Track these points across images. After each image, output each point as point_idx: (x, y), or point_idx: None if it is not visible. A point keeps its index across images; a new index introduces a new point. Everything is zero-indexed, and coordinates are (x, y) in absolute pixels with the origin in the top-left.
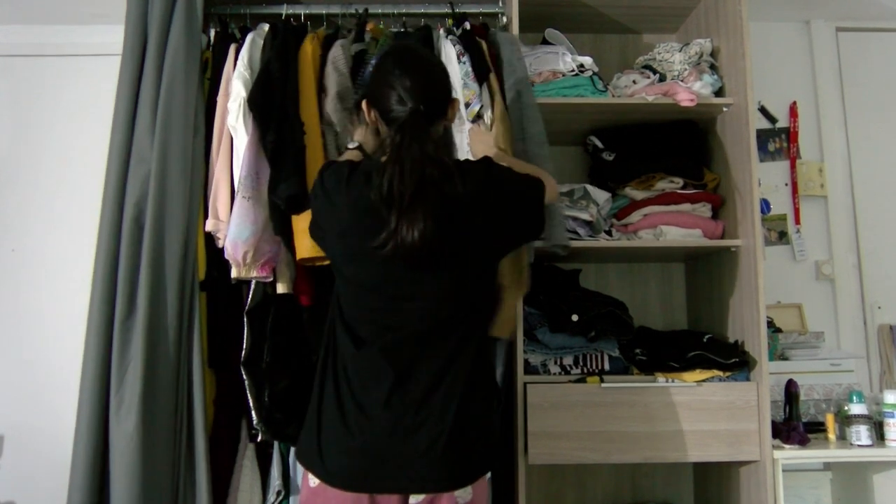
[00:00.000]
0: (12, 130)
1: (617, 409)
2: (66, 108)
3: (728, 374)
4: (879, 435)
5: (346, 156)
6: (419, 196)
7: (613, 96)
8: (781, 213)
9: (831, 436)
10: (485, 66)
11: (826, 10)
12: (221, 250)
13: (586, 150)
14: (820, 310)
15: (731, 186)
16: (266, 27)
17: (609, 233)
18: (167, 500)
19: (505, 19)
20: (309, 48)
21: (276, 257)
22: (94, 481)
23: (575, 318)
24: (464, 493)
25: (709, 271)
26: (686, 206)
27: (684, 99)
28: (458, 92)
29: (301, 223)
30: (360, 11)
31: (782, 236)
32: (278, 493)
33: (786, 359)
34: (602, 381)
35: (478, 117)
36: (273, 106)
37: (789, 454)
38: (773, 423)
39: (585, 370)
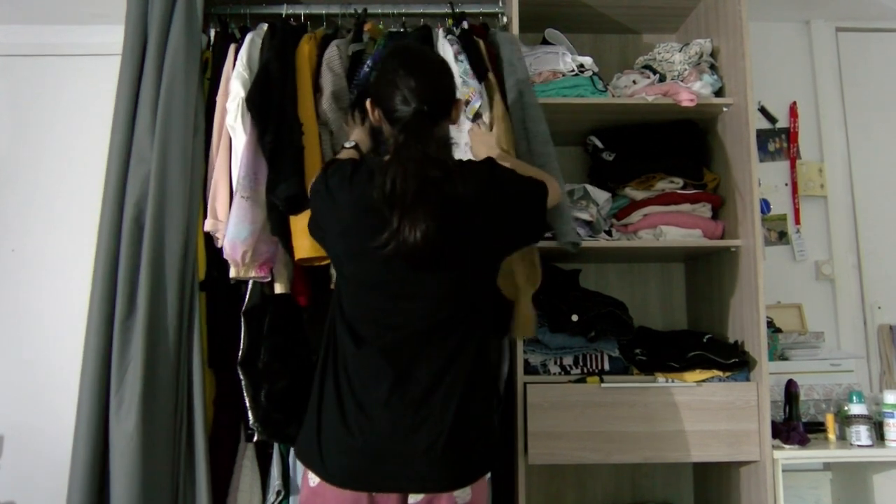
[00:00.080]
0: (12, 130)
1: (617, 409)
2: (66, 108)
3: (728, 374)
4: (879, 435)
5: (344, 155)
6: (421, 196)
7: (613, 96)
8: (781, 213)
9: (831, 436)
10: (483, 66)
11: (826, 10)
12: (221, 250)
13: (586, 150)
14: (820, 310)
15: (731, 186)
16: (265, 27)
17: (609, 233)
18: (167, 500)
19: (505, 19)
20: (306, 48)
21: (274, 257)
22: (94, 481)
23: (575, 318)
24: (463, 494)
25: (709, 271)
26: (686, 207)
27: (684, 99)
28: (458, 90)
29: (299, 223)
30: (359, 11)
31: (782, 236)
32: (278, 493)
33: (786, 359)
34: (602, 381)
35: (477, 115)
36: (271, 106)
37: (789, 454)
38: (773, 423)
39: (585, 370)
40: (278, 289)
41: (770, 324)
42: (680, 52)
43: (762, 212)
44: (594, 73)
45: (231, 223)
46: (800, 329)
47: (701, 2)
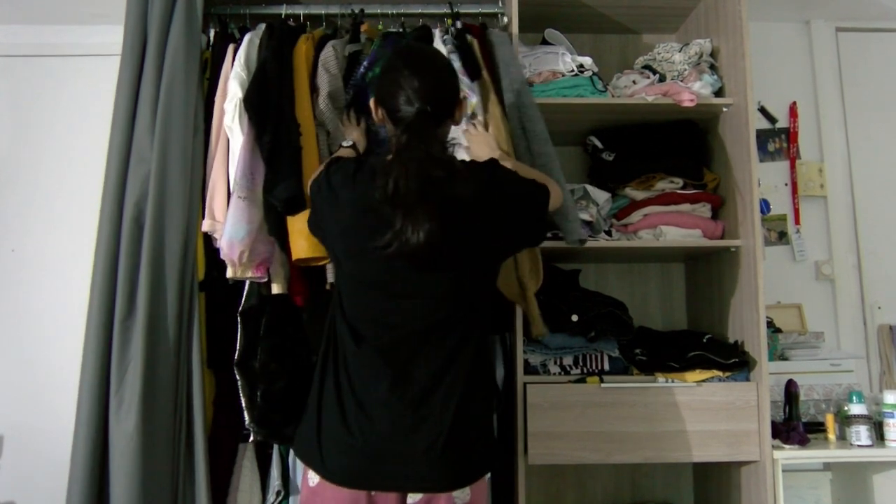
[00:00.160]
0: (12, 130)
1: (617, 410)
2: (66, 108)
3: (728, 374)
4: (879, 435)
5: (343, 153)
6: (424, 197)
7: (613, 96)
8: (781, 214)
9: (831, 436)
10: (476, 65)
11: (826, 10)
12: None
13: (586, 151)
14: (820, 310)
15: (731, 186)
16: (264, 27)
17: (609, 233)
18: (167, 500)
19: (505, 19)
20: (303, 48)
21: (272, 258)
22: (94, 481)
23: (575, 318)
24: (462, 494)
25: (709, 271)
26: (686, 207)
27: (684, 99)
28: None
29: (297, 224)
30: (357, 12)
31: (782, 236)
32: (278, 494)
33: (786, 359)
34: (602, 381)
35: (472, 115)
36: (269, 106)
37: (789, 454)
38: (773, 424)
39: (585, 370)
40: (275, 289)
41: (770, 324)
42: (680, 52)
43: (762, 212)
44: (594, 74)
45: (228, 223)
46: (800, 329)
47: (701, 2)
